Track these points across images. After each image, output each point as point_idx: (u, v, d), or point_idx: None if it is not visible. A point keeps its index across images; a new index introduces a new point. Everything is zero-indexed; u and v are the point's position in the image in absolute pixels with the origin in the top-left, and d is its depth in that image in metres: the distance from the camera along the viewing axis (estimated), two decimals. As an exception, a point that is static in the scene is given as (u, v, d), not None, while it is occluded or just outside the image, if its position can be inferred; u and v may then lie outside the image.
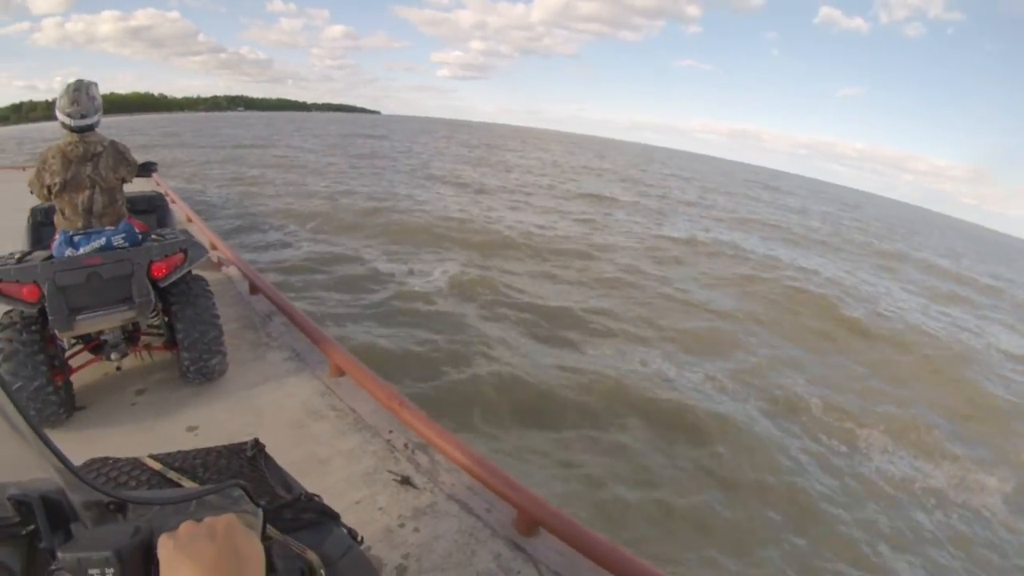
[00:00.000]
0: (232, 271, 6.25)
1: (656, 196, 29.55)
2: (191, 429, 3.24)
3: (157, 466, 1.16)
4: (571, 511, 2.63)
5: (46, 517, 0.59)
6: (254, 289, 5.48)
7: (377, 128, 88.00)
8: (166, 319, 3.65)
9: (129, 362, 3.74)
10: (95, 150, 3.15)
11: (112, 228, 3.21)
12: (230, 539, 0.57)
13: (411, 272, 10.31)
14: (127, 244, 3.20)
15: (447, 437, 2.98)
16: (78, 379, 3.44)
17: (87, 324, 3.05)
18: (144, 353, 3.75)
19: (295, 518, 1.08)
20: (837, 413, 6.97)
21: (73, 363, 3.42)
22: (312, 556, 0.96)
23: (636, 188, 31.86)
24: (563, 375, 6.70)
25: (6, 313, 3.02)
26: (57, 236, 3.14)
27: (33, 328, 2.99)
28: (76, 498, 0.61)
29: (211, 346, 3.55)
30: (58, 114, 3.07)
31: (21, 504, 0.60)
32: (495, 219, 16.08)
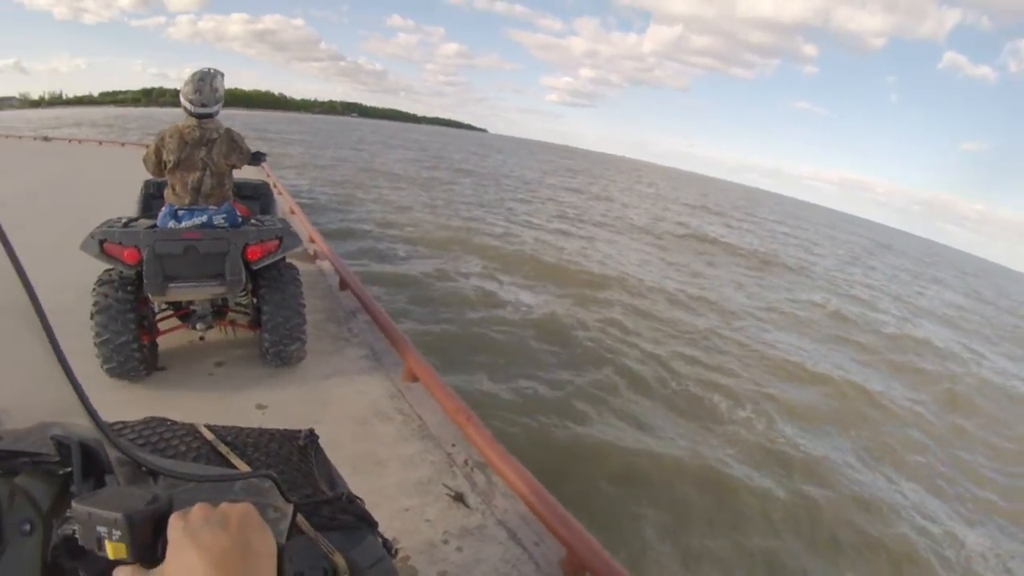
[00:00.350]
0: (325, 265, 6.50)
1: (764, 242, 27.92)
2: (260, 407, 3.32)
3: (210, 436, 1.16)
4: None
5: (81, 463, 0.59)
6: (343, 285, 5.66)
7: (483, 147, 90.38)
8: (254, 300, 3.81)
9: (213, 334, 3.93)
10: (211, 136, 3.36)
11: (215, 208, 3.39)
12: (243, 531, 0.51)
13: (502, 298, 9.90)
14: (227, 224, 3.37)
15: (509, 461, 2.86)
16: (163, 342, 3.66)
17: (178, 293, 3.24)
18: (228, 328, 3.95)
19: (332, 517, 1.04)
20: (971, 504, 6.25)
21: (161, 327, 3.64)
22: (339, 560, 0.90)
23: (744, 235, 30.18)
24: (655, 430, 6.14)
25: (107, 271, 3.24)
26: (164, 208, 3.36)
27: (129, 288, 3.20)
28: (112, 452, 0.60)
29: (292, 332, 3.65)
30: (182, 99, 3.31)
31: (62, 445, 0.60)
32: (595, 253, 15.49)
